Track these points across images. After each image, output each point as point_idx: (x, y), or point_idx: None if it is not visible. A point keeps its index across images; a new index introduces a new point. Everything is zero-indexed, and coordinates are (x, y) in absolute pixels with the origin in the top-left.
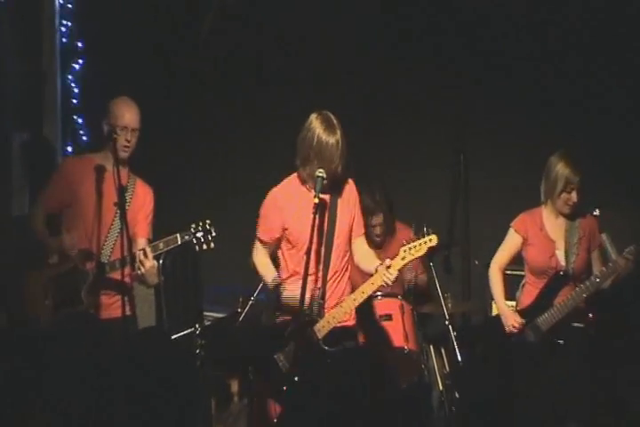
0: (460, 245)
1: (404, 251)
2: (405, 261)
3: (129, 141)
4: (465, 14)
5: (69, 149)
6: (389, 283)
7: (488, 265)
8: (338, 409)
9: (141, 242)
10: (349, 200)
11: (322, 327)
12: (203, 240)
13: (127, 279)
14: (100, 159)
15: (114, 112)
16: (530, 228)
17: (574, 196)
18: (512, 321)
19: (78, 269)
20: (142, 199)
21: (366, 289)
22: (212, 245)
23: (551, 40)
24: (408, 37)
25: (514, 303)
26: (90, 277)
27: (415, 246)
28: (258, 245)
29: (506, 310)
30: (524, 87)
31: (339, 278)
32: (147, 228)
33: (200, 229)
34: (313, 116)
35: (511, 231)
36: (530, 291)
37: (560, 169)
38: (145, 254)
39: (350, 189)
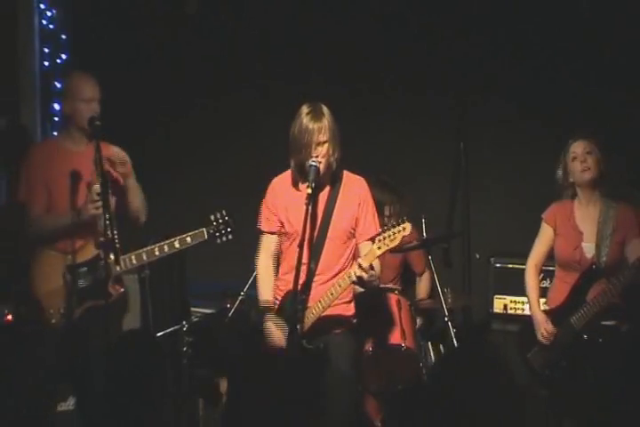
0: (460, 238)
1: (379, 240)
2: (381, 252)
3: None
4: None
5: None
6: (358, 274)
7: (488, 259)
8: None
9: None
10: (354, 198)
11: (304, 323)
12: (223, 233)
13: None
14: (62, 140)
15: (73, 87)
16: (559, 218)
17: (586, 158)
18: (542, 330)
19: (100, 259)
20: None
21: (341, 283)
22: (230, 236)
23: (554, 28)
24: (407, 25)
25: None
26: (113, 269)
27: (389, 236)
28: (262, 239)
29: (538, 316)
30: (527, 76)
31: (331, 274)
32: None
33: (221, 221)
34: (302, 107)
35: (542, 223)
36: (558, 287)
37: (569, 144)
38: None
39: (357, 187)
